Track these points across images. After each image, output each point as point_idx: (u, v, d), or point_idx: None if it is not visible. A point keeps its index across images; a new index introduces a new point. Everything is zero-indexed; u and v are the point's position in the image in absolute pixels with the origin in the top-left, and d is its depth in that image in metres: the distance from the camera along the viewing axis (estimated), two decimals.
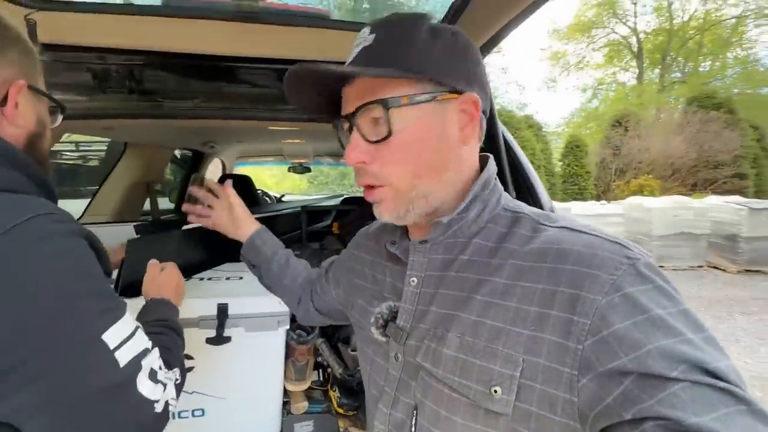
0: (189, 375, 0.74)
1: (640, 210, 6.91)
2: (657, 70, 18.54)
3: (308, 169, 3.74)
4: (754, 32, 16.22)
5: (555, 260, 0.39)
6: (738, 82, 16.36)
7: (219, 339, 0.93)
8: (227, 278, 1.11)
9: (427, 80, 0.44)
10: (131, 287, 0.89)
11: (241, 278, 1.13)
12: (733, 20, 16.28)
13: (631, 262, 0.36)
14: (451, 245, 0.48)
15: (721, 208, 6.45)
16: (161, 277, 0.79)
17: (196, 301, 0.93)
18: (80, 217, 1.73)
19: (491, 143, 0.94)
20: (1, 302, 0.41)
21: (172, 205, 2.51)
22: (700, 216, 6.41)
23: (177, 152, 2.43)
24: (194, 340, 0.92)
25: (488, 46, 0.83)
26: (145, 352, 0.50)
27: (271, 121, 1.31)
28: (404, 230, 0.55)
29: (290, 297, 0.81)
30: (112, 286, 0.68)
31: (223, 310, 0.93)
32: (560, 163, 12.00)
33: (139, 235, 1.23)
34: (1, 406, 0.41)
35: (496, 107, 0.96)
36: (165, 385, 0.52)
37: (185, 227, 1.07)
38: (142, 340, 0.51)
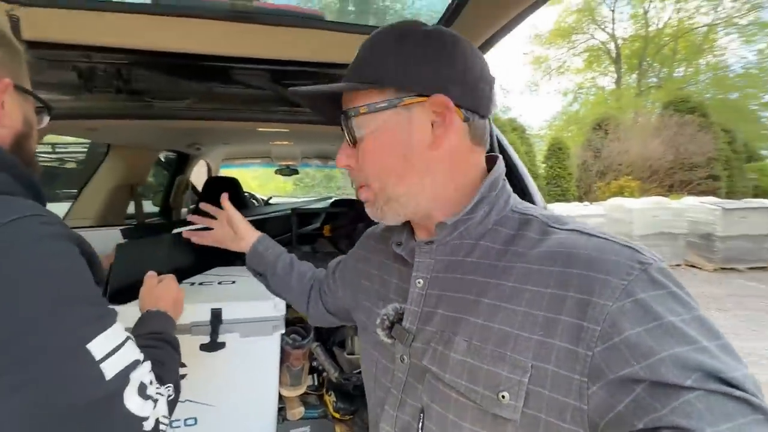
0: (181, 383, 0.72)
1: (621, 211, 7.11)
2: (634, 75, 19.12)
3: (296, 171, 3.71)
4: (724, 40, 16.99)
5: (564, 264, 0.39)
6: (710, 88, 17.06)
7: (213, 345, 0.91)
8: (219, 282, 1.09)
9: (392, 88, 0.45)
10: (120, 293, 0.86)
11: (233, 282, 1.10)
12: (705, 28, 16.98)
13: (643, 267, 0.35)
14: (458, 247, 0.48)
15: (697, 209, 6.69)
16: (158, 288, 0.76)
17: (188, 306, 0.90)
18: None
19: None
20: None
21: (155, 209, 2.45)
22: (677, 216, 6.64)
23: (161, 155, 2.37)
24: (187, 347, 0.88)
25: (485, 47, 0.84)
26: (134, 365, 0.47)
27: (261, 122, 1.29)
28: (411, 231, 0.55)
29: (299, 298, 0.81)
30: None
31: (216, 315, 0.91)
32: (543, 165, 12.23)
33: (126, 240, 1.19)
34: None
35: None
36: (156, 401, 0.48)
37: (175, 231, 1.04)
38: (131, 352, 0.48)
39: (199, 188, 2.64)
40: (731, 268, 6.29)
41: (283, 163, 3.46)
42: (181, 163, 2.40)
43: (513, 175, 1.04)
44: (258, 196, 4.11)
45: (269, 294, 0.84)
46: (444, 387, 0.43)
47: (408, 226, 0.55)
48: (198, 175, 2.77)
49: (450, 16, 0.80)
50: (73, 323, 0.43)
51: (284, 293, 0.83)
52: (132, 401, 0.45)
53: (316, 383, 1.22)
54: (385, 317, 0.52)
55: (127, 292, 0.86)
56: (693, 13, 17.08)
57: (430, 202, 0.48)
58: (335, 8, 1.11)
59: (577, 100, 20.78)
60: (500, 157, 0.52)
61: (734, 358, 0.32)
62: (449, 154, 0.47)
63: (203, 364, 0.91)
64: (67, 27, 0.86)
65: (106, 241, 1.02)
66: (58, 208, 1.74)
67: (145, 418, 0.46)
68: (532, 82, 21.99)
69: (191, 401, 0.92)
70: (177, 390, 0.58)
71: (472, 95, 0.46)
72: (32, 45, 0.84)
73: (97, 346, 0.43)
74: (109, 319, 0.47)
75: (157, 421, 0.48)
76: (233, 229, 0.84)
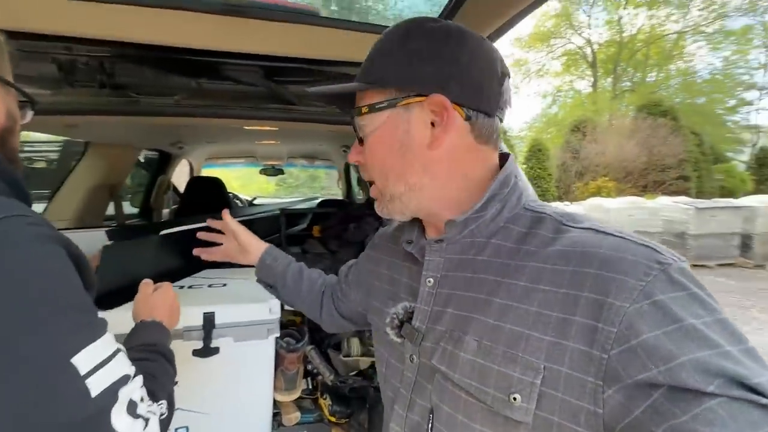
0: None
1: (600, 210, 7.36)
2: (610, 79, 19.78)
3: (281, 172, 3.65)
4: (692, 47, 17.77)
5: (579, 263, 0.37)
6: (679, 92, 17.80)
7: (206, 350, 0.87)
8: (210, 285, 1.05)
9: (394, 88, 0.46)
10: (106, 298, 0.82)
11: (224, 285, 1.07)
12: (675, 35, 17.72)
13: (662, 267, 0.34)
14: (468, 245, 0.47)
15: (671, 208, 6.99)
16: (153, 297, 0.71)
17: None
18: None
19: None
20: None
21: (135, 210, 2.35)
22: (653, 215, 6.92)
23: (141, 153, 2.28)
24: (179, 352, 0.84)
25: (491, 40, 0.83)
26: (124, 380, 0.43)
27: (249, 119, 1.26)
28: (422, 229, 0.54)
29: (311, 306, 0.79)
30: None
31: (209, 319, 0.88)
32: (524, 166, 12.49)
33: (112, 242, 1.14)
34: None
35: None
36: (147, 420, 0.44)
37: (163, 232, 1.00)
38: (121, 366, 0.44)
39: (181, 189, 2.56)
40: (702, 265, 6.57)
41: (269, 162, 3.40)
42: (163, 162, 2.32)
43: None
44: (242, 196, 4.02)
45: (263, 296, 0.82)
46: (453, 387, 0.42)
47: (419, 225, 0.54)
48: (179, 175, 2.69)
49: (451, 10, 0.80)
50: (57, 334, 0.40)
51: (296, 303, 0.81)
52: (120, 421, 0.41)
53: (310, 387, 1.20)
54: (394, 316, 0.52)
55: (114, 297, 0.82)
56: (664, 21, 17.85)
57: (433, 200, 0.48)
58: (330, 3, 1.09)
59: (556, 103, 21.33)
60: (511, 154, 0.51)
61: (759, 363, 0.30)
62: (450, 154, 0.46)
63: (196, 370, 0.88)
64: (47, 16, 0.80)
65: (91, 242, 0.96)
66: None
67: None
68: (512, 84, 22.39)
69: (183, 409, 0.88)
70: (171, 406, 0.54)
71: (475, 93, 0.45)
72: (10, 35, 0.79)
73: (83, 360, 0.40)
74: (99, 329, 0.44)
75: None
76: (239, 244, 0.82)
